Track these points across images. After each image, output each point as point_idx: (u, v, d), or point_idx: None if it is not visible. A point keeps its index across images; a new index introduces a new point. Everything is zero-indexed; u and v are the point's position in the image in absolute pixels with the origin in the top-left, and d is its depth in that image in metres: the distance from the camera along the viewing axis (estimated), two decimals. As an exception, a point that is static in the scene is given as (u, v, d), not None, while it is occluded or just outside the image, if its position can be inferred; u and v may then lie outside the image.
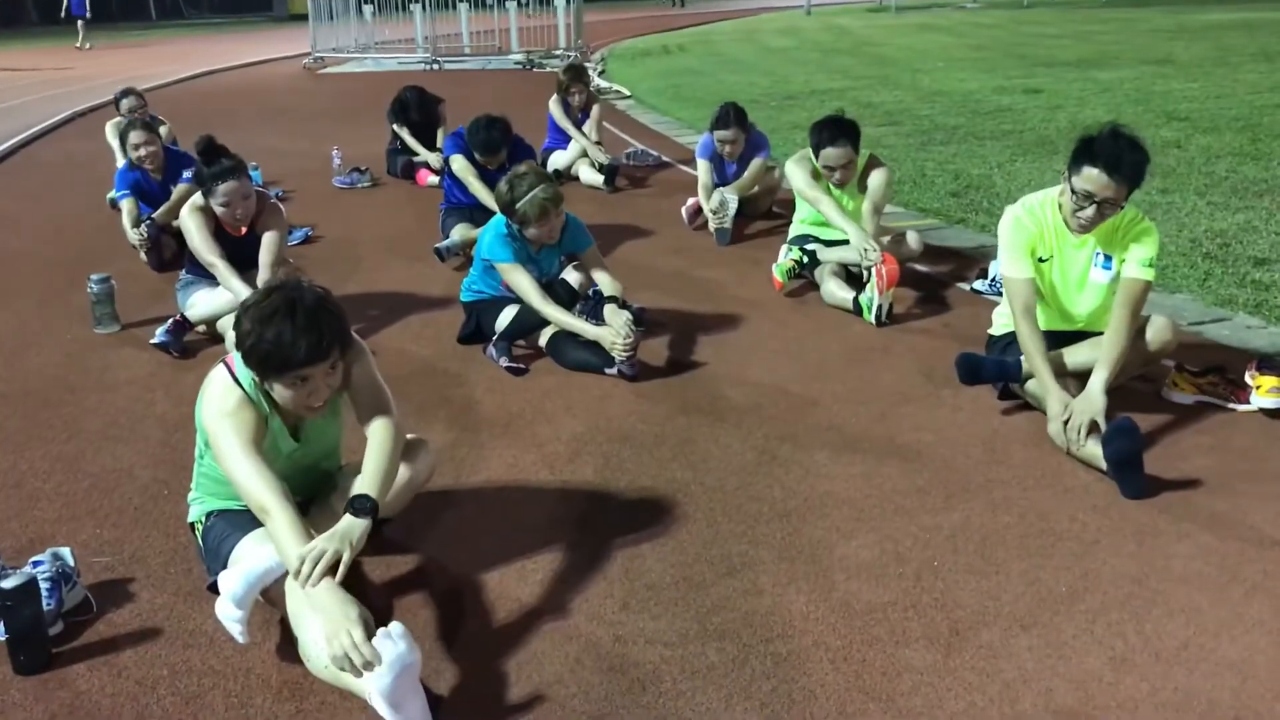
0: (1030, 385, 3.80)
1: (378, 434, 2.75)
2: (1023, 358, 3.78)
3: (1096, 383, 3.52)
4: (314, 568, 2.43)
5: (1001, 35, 21.12)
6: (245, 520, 2.79)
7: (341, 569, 2.46)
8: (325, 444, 2.95)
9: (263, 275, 4.73)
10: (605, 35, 24.44)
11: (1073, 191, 3.56)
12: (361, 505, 2.58)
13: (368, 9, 20.52)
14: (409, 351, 4.77)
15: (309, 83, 18.04)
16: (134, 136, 6.24)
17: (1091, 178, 3.50)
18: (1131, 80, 13.14)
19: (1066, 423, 3.48)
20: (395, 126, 8.64)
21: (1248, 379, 3.87)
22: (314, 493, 2.99)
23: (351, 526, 2.54)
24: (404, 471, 2.88)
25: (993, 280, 5.34)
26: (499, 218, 4.60)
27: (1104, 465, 3.33)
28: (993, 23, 25.18)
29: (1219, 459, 3.52)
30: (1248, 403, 3.84)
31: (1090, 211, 3.55)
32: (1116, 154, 3.45)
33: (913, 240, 5.48)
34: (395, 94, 8.67)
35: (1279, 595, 2.77)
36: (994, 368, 3.90)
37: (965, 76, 14.34)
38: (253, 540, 2.71)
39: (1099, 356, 3.59)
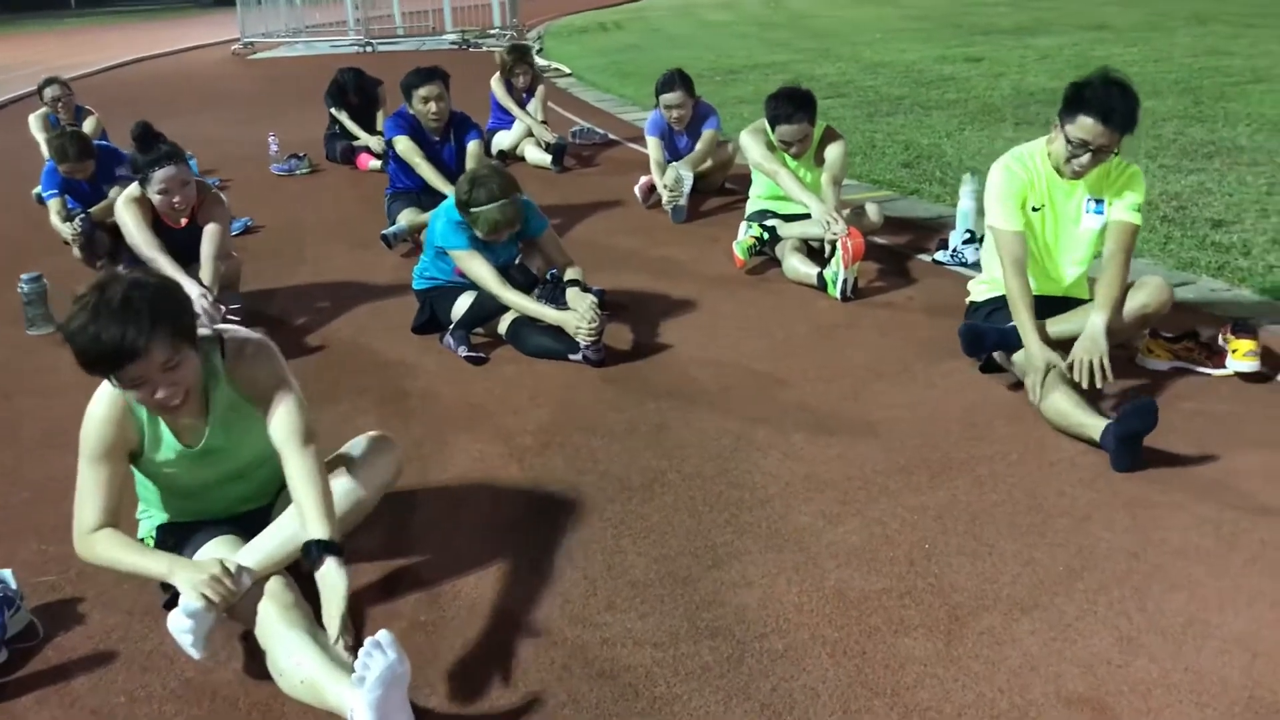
0: (1017, 356, 3.73)
1: (292, 460, 2.52)
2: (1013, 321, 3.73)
3: (1098, 322, 3.54)
4: (341, 627, 2.35)
5: (938, 4, 21.13)
6: (195, 533, 2.64)
7: (339, 612, 2.36)
8: (241, 451, 2.65)
9: (205, 270, 4.54)
10: (541, 13, 24.11)
11: (1067, 140, 3.58)
12: (312, 555, 2.40)
13: (296, -8, 20.06)
14: (360, 343, 4.58)
15: (239, 69, 17.56)
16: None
17: (1086, 126, 3.52)
18: (1070, 46, 13.19)
19: (1045, 376, 3.48)
20: (333, 110, 8.37)
21: (1222, 343, 3.83)
22: (270, 499, 2.80)
23: (323, 578, 2.39)
24: (372, 474, 2.74)
25: (953, 251, 5.28)
26: (449, 202, 4.41)
27: (1093, 435, 3.27)
28: (927, -8, 25.19)
29: (1202, 425, 3.47)
30: (1223, 367, 3.80)
31: (1085, 158, 3.59)
32: (1109, 102, 3.49)
33: (873, 212, 5.38)
34: (331, 77, 8.40)
35: (1278, 565, 2.71)
36: (996, 336, 3.84)
37: (905, 47, 14.30)
38: (206, 552, 2.55)
39: (1096, 299, 3.63)
